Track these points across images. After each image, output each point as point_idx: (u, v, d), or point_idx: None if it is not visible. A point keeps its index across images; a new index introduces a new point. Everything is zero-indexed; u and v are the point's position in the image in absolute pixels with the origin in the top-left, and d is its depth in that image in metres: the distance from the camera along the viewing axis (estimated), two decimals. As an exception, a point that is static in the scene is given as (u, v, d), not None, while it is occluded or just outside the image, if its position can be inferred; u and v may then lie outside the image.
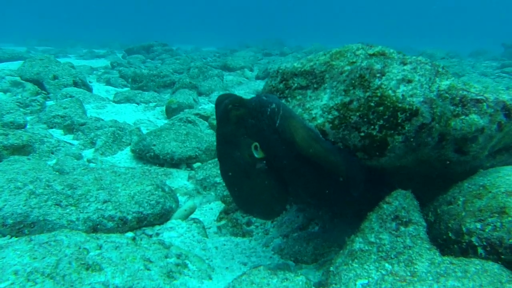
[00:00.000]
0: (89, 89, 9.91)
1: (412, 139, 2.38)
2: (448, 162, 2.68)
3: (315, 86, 2.67)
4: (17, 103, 7.56)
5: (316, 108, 2.55)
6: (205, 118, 7.38)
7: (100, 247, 2.72)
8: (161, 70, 11.32)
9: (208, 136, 5.64)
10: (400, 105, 2.33)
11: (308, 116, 2.55)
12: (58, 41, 32.38)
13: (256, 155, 2.56)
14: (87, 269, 2.51)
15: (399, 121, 2.34)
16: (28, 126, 6.56)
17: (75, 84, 9.57)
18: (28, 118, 7.04)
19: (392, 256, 2.36)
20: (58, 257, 2.55)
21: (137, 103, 9.21)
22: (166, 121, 7.71)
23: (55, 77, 9.48)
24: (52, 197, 3.40)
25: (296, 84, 2.75)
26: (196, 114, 7.43)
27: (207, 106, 8.98)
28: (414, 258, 2.32)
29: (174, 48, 23.73)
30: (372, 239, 2.45)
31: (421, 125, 2.36)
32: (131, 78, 11.09)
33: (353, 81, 2.46)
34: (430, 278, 2.14)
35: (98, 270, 2.52)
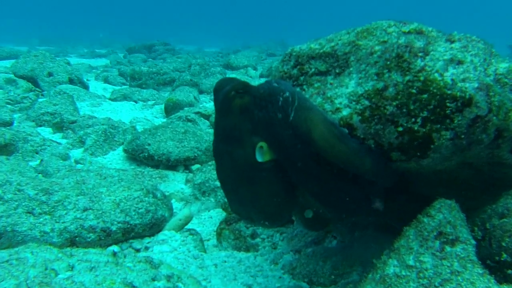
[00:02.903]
0: (86, 87, 9.52)
1: (462, 136, 1.88)
2: (500, 165, 2.19)
3: (337, 71, 2.16)
4: (7, 100, 7.16)
5: (340, 97, 2.03)
6: (206, 117, 6.93)
7: (72, 267, 2.22)
8: (161, 67, 10.89)
9: (208, 135, 5.15)
10: (449, 92, 1.82)
11: (331, 107, 2.04)
12: (60, 41, 32.03)
13: (259, 158, 2.04)
14: (52, 297, 2.01)
15: (447, 112, 1.83)
16: (15, 124, 6.11)
17: (71, 81, 9.19)
18: (16, 115, 6.61)
19: (437, 284, 1.86)
20: (19, 281, 2.05)
21: (135, 101, 8.78)
22: (164, 120, 7.25)
23: (49, 74, 9.10)
24: (24, 203, 2.93)
25: (313, 69, 2.24)
26: (197, 113, 6.96)
27: (209, 104, 8.51)
28: (464, 287, 1.82)
29: (176, 48, 23.32)
30: (411, 262, 1.94)
31: (475, 118, 1.85)
32: (130, 75, 10.67)
33: (388, 62, 1.95)
34: (491, 315, 1.64)
35: (66, 298, 2.03)
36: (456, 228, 1.98)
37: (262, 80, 10.96)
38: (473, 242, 1.97)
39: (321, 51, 2.23)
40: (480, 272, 1.87)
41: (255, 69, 14.92)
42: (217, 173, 2.26)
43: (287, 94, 2.00)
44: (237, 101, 2.05)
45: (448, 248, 1.93)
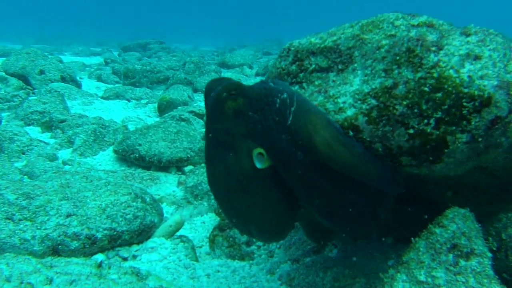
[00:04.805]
0: (78, 85, 9.35)
1: (480, 139, 1.69)
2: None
3: (340, 67, 1.98)
4: (-3, 99, 7.01)
5: (344, 96, 1.85)
6: (201, 116, 6.77)
7: (51, 281, 2.03)
8: (155, 65, 10.72)
9: (201, 135, 4.97)
10: (466, 90, 1.64)
11: (333, 106, 1.85)
12: (55, 39, 31.85)
13: (258, 165, 1.84)
14: (25, 317, 1.83)
15: (464, 113, 1.65)
16: (3, 123, 5.92)
17: (63, 79, 9.02)
18: (5, 114, 6.43)
19: (451, 302, 1.68)
20: (-9, 296, 1.87)
21: (128, 100, 8.62)
22: (157, 119, 7.07)
23: (41, 72, 8.92)
24: (3, 209, 2.75)
25: (314, 65, 2.05)
26: (191, 112, 6.81)
27: (203, 103, 8.30)
28: (481, 305, 1.65)
29: (172, 47, 23.17)
30: (422, 278, 1.76)
31: (494, 119, 1.67)
32: (123, 73, 10.51)
33: (398, 58, 1.77)
34: None
35: (41, 318, 1.84)
36: (471, 240, 1.81)
37: (258, 78, 10.83)
38: (489, 255, 1.80)
39: (322, 45, 2.05)
40: (498, 288, 1.70)
41: (250, 67, 14.77)
42: (208, 182, 2.06)
43: (285, 95, 1.81)
44: (230, 104, 1.85)
45: (462, 262, 1.75)
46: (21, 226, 2.71)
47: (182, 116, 6.25)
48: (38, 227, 2.73)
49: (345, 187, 1.87)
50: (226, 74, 12.02)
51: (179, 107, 7.42)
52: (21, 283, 1.97)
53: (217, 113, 1.88)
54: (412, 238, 1.90)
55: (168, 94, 7.94)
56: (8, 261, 2.11)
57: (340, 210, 1.94)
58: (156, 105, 7.90)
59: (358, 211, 1.95)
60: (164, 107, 7.54)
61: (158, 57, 17.92)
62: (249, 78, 11.84)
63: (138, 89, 9.25)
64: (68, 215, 2.82)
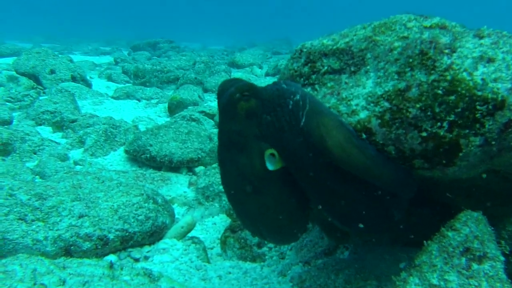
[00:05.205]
0: (88, 85, 9.38)
1: (493, 142, 1.69)
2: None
3: (352, 69, 1.97)
4: (8, 98, 7.04)
5: (357, 98, 1.85)
6: (211, 116, 6.79)
7: (64, 282, 2.04)
8: (165, 65, 10.73)
9: (212, 135, 4.97)
10: (479, 93, 1.64)
11: (346, 109, 1.85)
12: (64, 38, 31.94)
13: (270, 167, 1.84)
14: (39, 318, 1.84)
15: (477, 116, 1.65)
16: (14, 122, 5.95)
17: (73, 79, 9.05)
18: (16, 114, 6.45)
19: (464, 306, 1.68)
20: (4, 297, 1.88)
21: (138, 100, 8.64)
22: (168, 119, 7.08)
23: (52, 71, 8.97)
24: (15, 209, 2.76)
25: (326, 67, 2.05)
26: (201, 112, 6.83)
27: (213, 103, 8.34)
28: (494, 309, 1.64)
29: (181, 45, 23.18)
30: (435, 281, 1.76)
31: (508, 122, 1.66)
32: (133, 73, 10.52)
33: (411, 60, 1.77)
34: None
35: (54, 320, 1.85)
36: (484, 243, 1.80)
37: (268, 78, 10.80)
38: (502, 258, 1.79)
39: (335, 47, 2.05)
40: (511, 292, 1.69)
41: (260, 67, 14.75)
42: (222, 182, 2.07)
43: (298, 97, 1.81)
44: (243, 105, 1.86)
45: (475, 266, 1.75)
46: (34, 226, 2.73)
47: (193, 116, 6.26)
48: (51, 228, 2.75)
49: (357, 190, 1.86)
50: (236, 74, 12.01)
51: (189, 107, 7.44)
52: (35, 284, 1.98)
53: (230, 114, 1.88)
54: (425, 241, 1.89)
55: (178, 94, 7.95)
56: (21, 261, 2.12)
57: (352, 212, 1.94)
58: (166, 105, 7.90)
59: (371, 213, 1.95)
60: (174, 107, 7.54)
61: (167, 56, 17.90)
62: (259, 78, 11.83)
63: (148, 88, 9.27)
64: (80, 216, 2.83)
